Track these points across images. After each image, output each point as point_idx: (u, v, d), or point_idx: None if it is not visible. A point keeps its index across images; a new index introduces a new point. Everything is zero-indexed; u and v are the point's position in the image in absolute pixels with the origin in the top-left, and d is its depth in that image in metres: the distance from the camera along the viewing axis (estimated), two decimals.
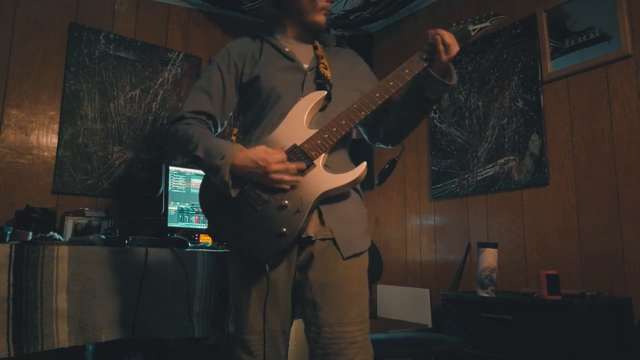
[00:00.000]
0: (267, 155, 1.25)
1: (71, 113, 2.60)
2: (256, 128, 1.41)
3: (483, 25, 1.40)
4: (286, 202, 1.26)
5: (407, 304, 3.00)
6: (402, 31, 3.44)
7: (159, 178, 2.50)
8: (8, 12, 2.50)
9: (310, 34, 1.50)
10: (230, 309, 2.05)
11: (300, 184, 1.27)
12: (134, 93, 2.83)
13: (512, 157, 2.64)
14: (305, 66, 1.43)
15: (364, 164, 1.31)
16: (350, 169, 1.32)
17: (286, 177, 1.25)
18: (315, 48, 1.47)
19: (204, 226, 2.54)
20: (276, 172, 1.24)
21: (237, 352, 1.35)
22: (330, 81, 1.38)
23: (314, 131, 1.31)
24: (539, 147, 2.52)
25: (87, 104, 2.66)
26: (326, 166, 1.32)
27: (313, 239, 1.30)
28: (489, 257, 2.31)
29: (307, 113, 1.34)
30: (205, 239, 2.44)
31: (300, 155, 1.29)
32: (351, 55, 1.58)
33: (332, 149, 1.33)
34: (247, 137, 1.44)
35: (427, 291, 2.93)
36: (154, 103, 2.90)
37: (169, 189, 2.48)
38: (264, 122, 1.39)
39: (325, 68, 1.41)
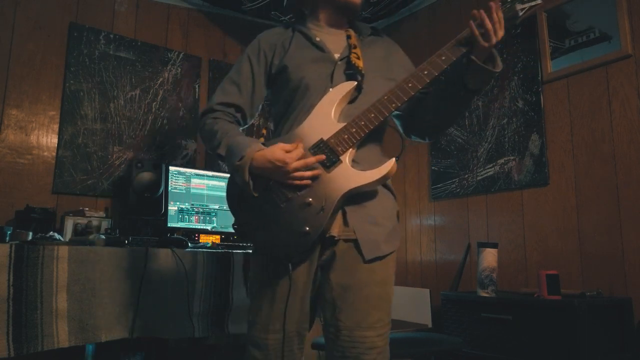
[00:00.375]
0: (285, 155, 1.20)
1: (71, 113, 2.60)
2: (285, 121, 1.37)
3: (534, 3, 1.25)
4: (310, 199, 1.22)
5: (407, 304, 3.00)
6: (402, 31, 3.43)
7: (159, 178, 2.50)
8: (8, 12, 2.50)
9: (344, 17, 1.44)
10: (230, 309, 2.06)
11: (325, 181, 1.22)
12: (134, 93, 2.83)
13: (512, 157, 2.64)
14: (336, 56, 1.37)
15: (393, 159, 1.24)
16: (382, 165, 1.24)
17: (307, 174, 1.21)
18: (348, 37, 1.40)
19: (204, 226, 2.55)
20: (296, 169, 1.21)
21: (249, 349, 1.31)
22: (362, 71, 1.31)
23: (341, 125, 1.25)
24: (539, 147, 2.52)
25: (87, 104, 2.66)
26: (354, 162, 1.26)
27: (336, 238, 1.27)
28: (489, 257, 2.31)
29: (335, 105, 1.28)
30: (205, 239, 2.44)
31: (327, 150, 1.24)
32: (388, 44, 1.49)
33: (361, 143, 1.27)
34: (277, 130, 1.40)
35: (427, 291, 2.93)
36: (154, 103, 2.90)
37: (169, 189, 2.48)
38: (293, 114, 1.35)
39: (358, 58, 1.33)
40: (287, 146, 1.22)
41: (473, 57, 1.23)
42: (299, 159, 1.21)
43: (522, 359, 2.06)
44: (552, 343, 1.97)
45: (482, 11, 1.22)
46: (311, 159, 1.22)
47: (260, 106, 1.47)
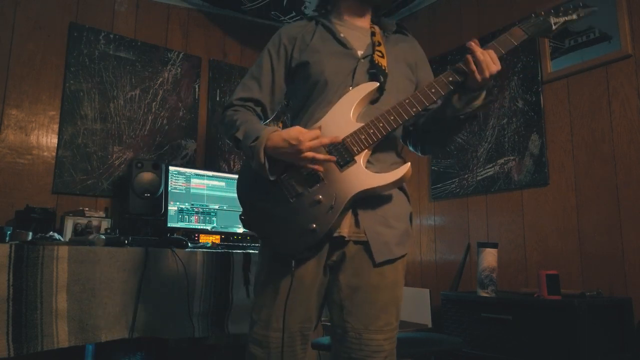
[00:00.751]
0: (300, 134, 1.17)
1: (71, 113, 2.60)
2: (303, 115, 1.34)
3: (569, 18, 1.27)
4: (320, 197, 1.20)
5: (407, 304, 3.00)
6: None
7: (158, 178, 2.50)
8: (8, 12, 2.50)
9: (367, 8, 1.42)
10: (230, 309, 2.06)
11: (337, 180, 1.21)
12: (133, 93, 2.83)
13: (512, 157, 2.64)
14: (360, 53, 1.34)
15: (408, 164, 1.22)
16: (396, 169, 1.23)
17: (319, 156, 1.18)
18: (372, 34, 1.37)
19: (204, 226, 2.55)
20: (310, 149, 1.17)
21: (251, 346, 1.29)
22: (386, 71, 1.29)
23: (359, 125, 1.23)
24: (538, 147, 2.52)
25: (87, 104, 2.66)
26: (369, 163, 1.25)
27: (346, 239, 1.25)
28: (489, 257, 2.31)
29: (355, 105, 1.25)
30: (205, 239, 2.44)
31: (342, 149, 1.21)
32: (412, 43, 1.46)
33: (378, 145, 1.25)
34: (294, 124, 1.37)
35: (427, 291, 2.93)
36: (154, 103, 2.90)
37: (169, 189, 2.48)
38: (310, 110, 1.32)
39: (382, 56, 1.31)
40: (304, 129, 1.20)
41: (466, 85, 1.21)
42: (314, 139, 1.18)
43: (522, 359, 2.06)
44: (552, 343, 1.97)
45: (474, 45, 1.19)
46: (326, 139, 1.19)
47: (282, 100, 1.45)
